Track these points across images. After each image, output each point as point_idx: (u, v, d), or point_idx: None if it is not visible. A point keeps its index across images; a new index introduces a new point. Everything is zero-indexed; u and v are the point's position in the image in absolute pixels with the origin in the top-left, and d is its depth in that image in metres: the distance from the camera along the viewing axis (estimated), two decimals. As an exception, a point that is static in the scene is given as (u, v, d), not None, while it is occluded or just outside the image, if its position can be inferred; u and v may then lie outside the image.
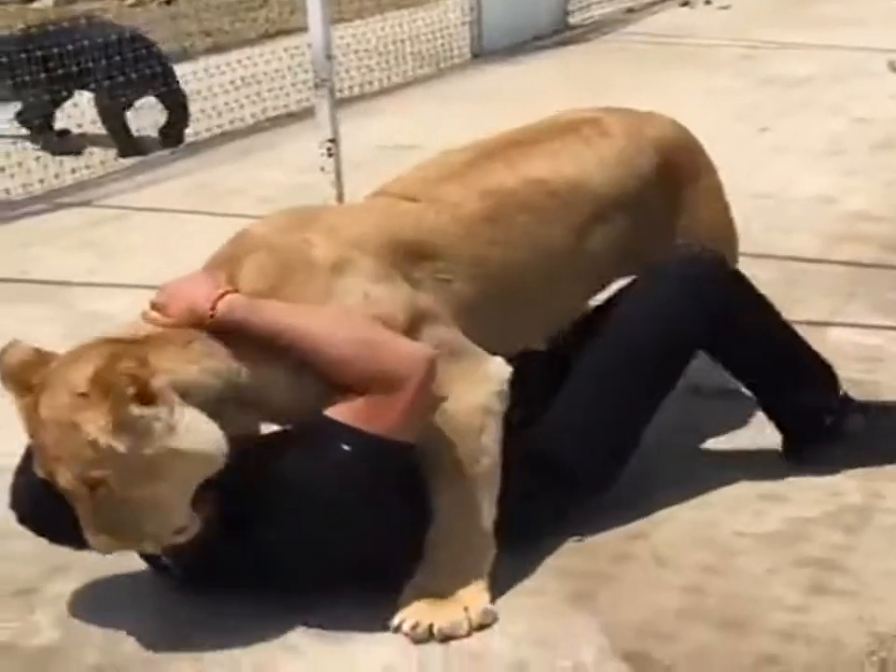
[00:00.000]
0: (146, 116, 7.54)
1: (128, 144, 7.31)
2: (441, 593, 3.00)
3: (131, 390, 2.67)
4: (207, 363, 2.82)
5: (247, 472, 2.86)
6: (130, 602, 3.14)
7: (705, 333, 3.34)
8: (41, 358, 2.88)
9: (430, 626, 2.95)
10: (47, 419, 2.73)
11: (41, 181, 6.72)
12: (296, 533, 2.85)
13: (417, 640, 2.94)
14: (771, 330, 3.45)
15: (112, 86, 7.17)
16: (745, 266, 5.11)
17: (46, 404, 2.75)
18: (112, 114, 7.30)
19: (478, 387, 3.02)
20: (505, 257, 3.22)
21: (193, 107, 7.77)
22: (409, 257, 3.09)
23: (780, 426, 3.57)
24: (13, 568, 3.31)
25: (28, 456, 2.90)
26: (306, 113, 7.29)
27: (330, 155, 5.75)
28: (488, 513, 3.04)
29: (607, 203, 3.41)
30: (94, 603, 3.16)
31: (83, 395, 2.69)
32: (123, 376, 2.67)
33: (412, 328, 2.99)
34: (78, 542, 2.86)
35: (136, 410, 2.68)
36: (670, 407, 3.43)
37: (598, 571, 3.18)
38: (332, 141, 5.76)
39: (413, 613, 2.97)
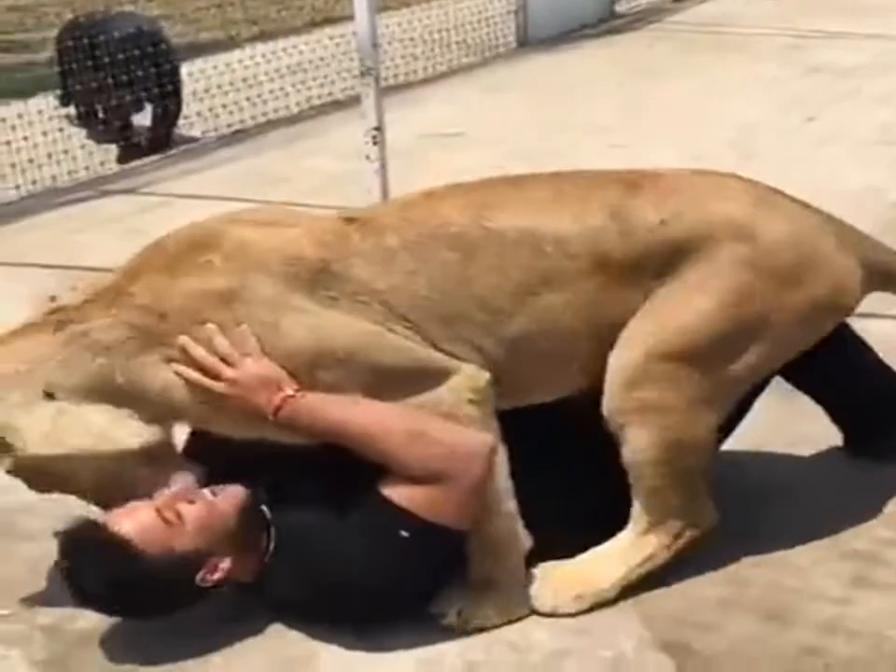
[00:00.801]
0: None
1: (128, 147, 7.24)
2: (482, 585, 3.00)
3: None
4: None
5: (302, 539, 2.92)
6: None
7: None
8: None
9: (465, 616, 2.97)
10: None
11: (87, 168, 6.77)
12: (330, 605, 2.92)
13: (453, 629, 2.96)
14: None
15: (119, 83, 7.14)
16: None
17: None
18: (119, 114, 7.27)
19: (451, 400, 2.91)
20: (423, 288, 2.95)
21: (239, 95, 7.82)
22: (321, 276, 2.93)
23: (843, 426, 3.59)
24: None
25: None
26: (351, 101, 7.30)
27: (375, 143, 5.75)
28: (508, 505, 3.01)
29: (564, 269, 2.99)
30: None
31: None
32: None
33: (323, 355, 2.89)
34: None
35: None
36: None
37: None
38: (377, 129, 5.76)
39: (454, 603, 2.98)
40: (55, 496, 3.43)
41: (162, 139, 7.28)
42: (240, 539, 2.90)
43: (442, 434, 2.88)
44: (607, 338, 2.99)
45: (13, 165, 6.55)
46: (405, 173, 5.96)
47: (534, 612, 3.02)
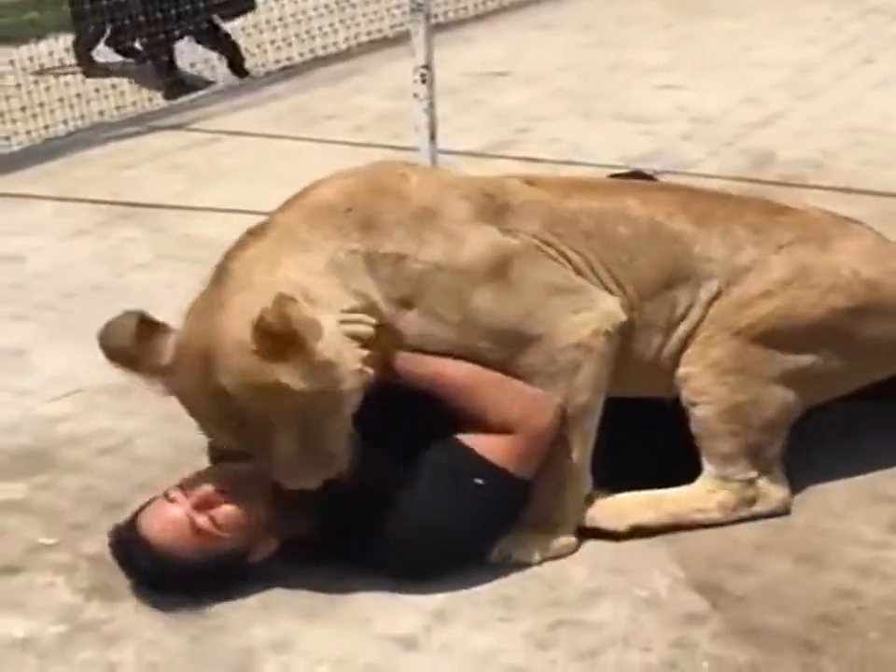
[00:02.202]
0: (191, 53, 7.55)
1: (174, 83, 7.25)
2: (534, 523, 3.04)
3: (312, 332, 2.69)
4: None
5: (378, 490, 2.93)
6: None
7: None
8: (150, 330, 2.89)
9: (507, 553, 3.01)
10: (227, 385, 2.73)
11: (134, 104, 6.79)
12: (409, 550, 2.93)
13: (496, 563, 3.00)
14: None
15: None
16: (836, 201, 5.08)
17: (219, 371, 2.74)
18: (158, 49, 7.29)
19: (580, 326, 3.03)
20: (593, 252, 3.15)
21: (287, 32, 7.81)
22: (505, 213, 3.10)
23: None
24: (104, 484, 3.39)
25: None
26: (400, 38, 7.27)
27: (424, 81, 5.71)
28: (582, 452, 3.06)
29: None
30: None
31: (257, 351, 2.70)
32: (289, 320, 2.67)
33: (504, 264, 3.01)
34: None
35: (318, 350, 2.71)
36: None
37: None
38: (426, 67, 5.72)
39: (502, 542, 3.03)
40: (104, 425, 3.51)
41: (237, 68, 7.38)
42: (278, 521, 2.91)
43: (522, 389, 2.99)
44: None
45: (61, 100, 6.58)
46: (452, 111, 5.96)
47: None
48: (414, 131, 5.43)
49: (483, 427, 2.94)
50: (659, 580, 2.94)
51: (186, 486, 2.92)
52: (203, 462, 3.24)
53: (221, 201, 5.28)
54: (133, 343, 2.86)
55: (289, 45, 7.71)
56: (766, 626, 2.77)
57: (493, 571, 2.98)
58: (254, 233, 2.98)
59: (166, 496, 2.93)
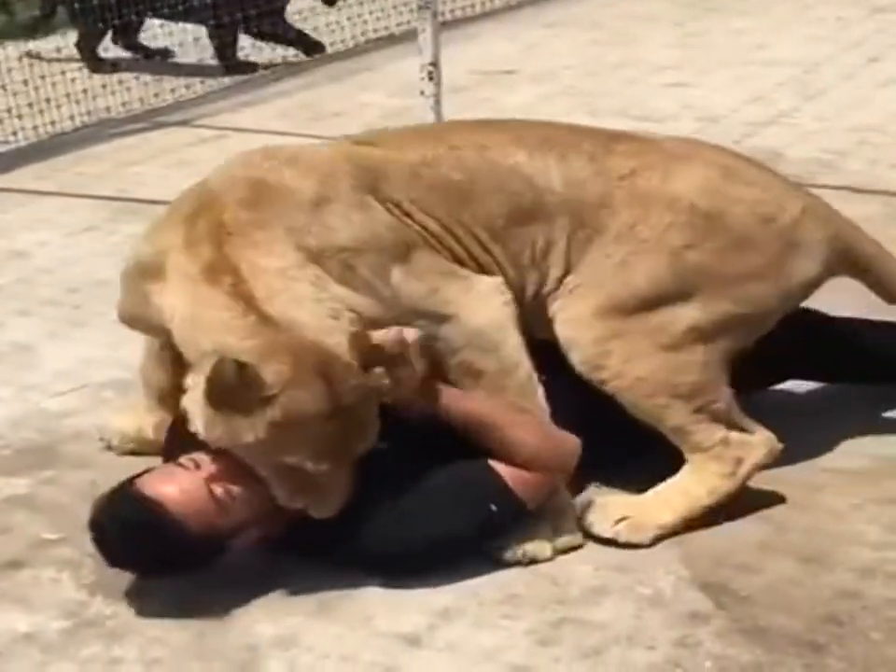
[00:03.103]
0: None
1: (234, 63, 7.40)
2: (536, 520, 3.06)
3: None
4: None
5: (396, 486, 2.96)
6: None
7: None
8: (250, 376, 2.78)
9: (519, 550, 3.02)
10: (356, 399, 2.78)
11: (140, 100, 6.79)
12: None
13: (507, 563, 3.00)
14: None
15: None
16: (844, 201, 5.06)
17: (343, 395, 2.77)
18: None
19: (481, 304, 3.05)
20: (438, 203, 3.14)
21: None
22: (376, 183, 3.11)
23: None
24: (109, 479, 3.37)
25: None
26: (407, 36, 7.28)
27: (431, 79, 5.73)
28: (547, 420, 3.07)
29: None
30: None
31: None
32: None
33: (403, 246, 3.03)
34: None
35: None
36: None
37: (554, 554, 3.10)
38: (433, 65, 5.73)
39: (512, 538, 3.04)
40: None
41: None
42: (276, 507, 2.89)
43: (550, 431, 3.04)
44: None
45: (67, 95, 6.58)
46: (458, 109, 5.95)
47: (591, 538, 3.07)
48: (421, 128, 5.42)
49: (509, 460, 2.97)
50: (663, 578, 2.94)
51: (198, 459, 2.88)
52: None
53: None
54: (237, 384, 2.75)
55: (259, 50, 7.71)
56: (770, 626, 2.77)
57: (497, 569, 2.98)
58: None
59: (179, 464, 2.89)
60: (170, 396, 3.24)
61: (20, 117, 6.29)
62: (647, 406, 3.11)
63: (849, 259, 3.29)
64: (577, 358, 3.12)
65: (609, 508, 3.12)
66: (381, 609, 2.88)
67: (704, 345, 3.10)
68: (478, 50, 7.53)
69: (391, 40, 7.89)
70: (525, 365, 3.07)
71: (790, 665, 2.66)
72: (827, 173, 5.40)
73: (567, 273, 3.14)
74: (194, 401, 2.81)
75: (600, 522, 3.08)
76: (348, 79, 7.20)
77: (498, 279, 3.11)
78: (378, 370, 2.84)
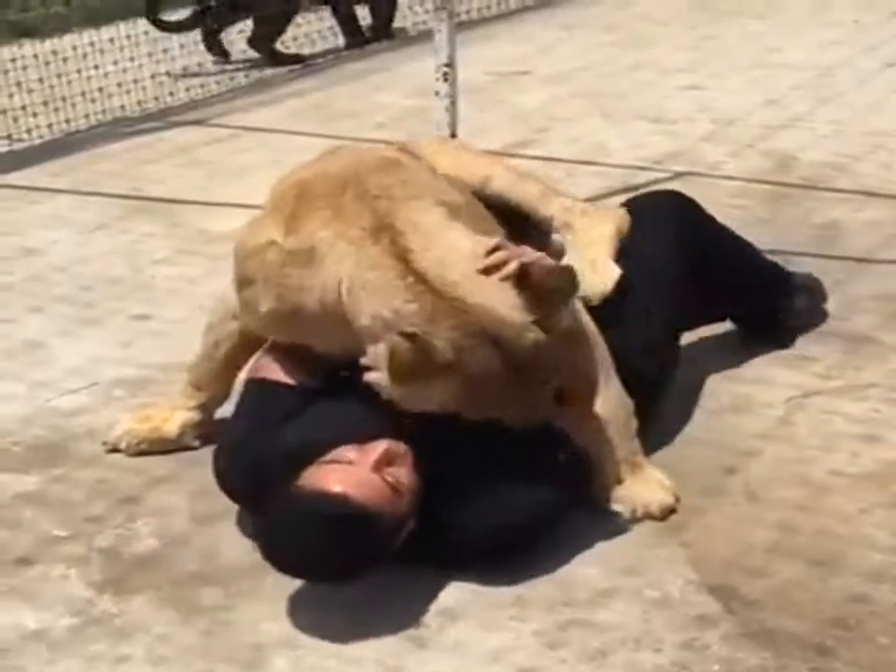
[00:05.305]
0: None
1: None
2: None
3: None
4: None
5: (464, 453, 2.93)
6: (227, 515, 3.21)
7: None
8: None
9: (647, 507, 3.12)
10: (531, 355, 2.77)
11: (156, 99, 6.80)
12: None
13: (637, 519, 3.12)
14: (730, 245, 3.75)
15: None
16: (858, 204, 5.07)
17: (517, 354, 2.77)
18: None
19: None
20: None
21: (309, 28, 7.82)
22: None
23: (741, 324, 3.94)
24: (119, 478, 3.40)
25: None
26: (422, 36, 7.29)
27: (446, 80, 5.72)
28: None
29: None
30: (194, 515, 3.24)
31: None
32: None
33: None
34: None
35: None
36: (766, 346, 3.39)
37: (689, 504, 3.19)
38: (448, 66, 5.73)
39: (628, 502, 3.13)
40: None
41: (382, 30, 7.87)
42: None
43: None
44: None
45: (83, 94, 6.60)
46: (473, 110, 5.96)
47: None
48: (435, 129, 5.43)
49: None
50: (671, 581, 2.93)
51: (351, 452, 2.84)
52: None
53: (241, 196, 5.27)
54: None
55: (312, 42, 7.72)
56: (778, 630, 2.76)
57: (505, 570, 2.97)
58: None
59: (337, 462, 2.82)
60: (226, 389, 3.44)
61: (35, 115, 6.31)
62: None
63: None
64: None
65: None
66: (387, 609, 2.87)
67: None
68: (493, 51, 7.53)
69: (406, 41, 7.90)
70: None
71: (797, 669, 2.65)
72: (841, 176, 5.38)
73: None
74: (380, 378, 2.81)
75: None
76: (363, 79, 7.20)
77: None
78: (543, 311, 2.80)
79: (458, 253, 2.88)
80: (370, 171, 3.07)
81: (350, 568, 2.81)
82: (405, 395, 2.81)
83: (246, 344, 3.31)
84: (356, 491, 2.76)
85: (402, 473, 2.85)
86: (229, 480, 3.11)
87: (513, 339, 2.77)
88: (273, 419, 3.07)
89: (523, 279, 2.79)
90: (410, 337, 2.72)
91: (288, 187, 3.14)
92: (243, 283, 3.15)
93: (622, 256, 3.38)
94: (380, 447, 2.85)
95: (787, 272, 3.95)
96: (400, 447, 2.89)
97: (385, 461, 2.84)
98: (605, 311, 3.23)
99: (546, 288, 2.79)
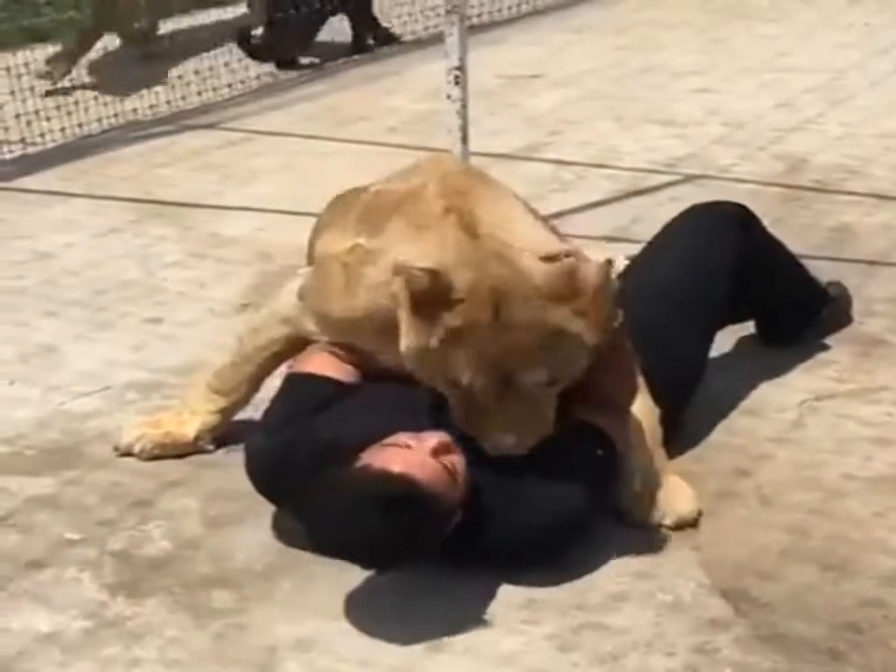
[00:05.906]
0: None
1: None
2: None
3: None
4: None
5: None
6: (240, 519, 3.22)
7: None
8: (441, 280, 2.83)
9: (678, 514, 3.12)
10: (526, 323, 2.80)
11: (168, 102, 6.81)
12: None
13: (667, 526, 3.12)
14: (784, 264, 3.81)
15: None
16: (870, 207, 5.07)
17: (514, 313, 2.80)
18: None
19: None
20: None
21: (320, 33, 7.81)
22: None
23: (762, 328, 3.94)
24: (131, 481, 3.41)
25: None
26: (432, 40, 7.28)
27: (457, 83, 5.72)
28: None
29: None
30: (207, 518, 3.25)
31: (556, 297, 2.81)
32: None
33: None
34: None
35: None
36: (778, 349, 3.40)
37: (701, 507, 3.18)
38: (459, 69, 5.72)
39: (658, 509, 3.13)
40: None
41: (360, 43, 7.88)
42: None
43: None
44: None
45: (95, 98, 6.61)
46: (485, 113, 5.96)
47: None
48: (447, 133, 5.43)
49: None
50: (683, 585, 2.93)
51: (408, 438, 2.84)
52: (232, 458, 3.29)
53: (253, 200, 5.30)
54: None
55: (322, 45, 7.72)
56: (790, 634, 2.76)
57: (517, 574, 2.97)
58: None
59: (387, 445, 2.82)
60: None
61: (48, 119, 6.31)
62: None
63: None
64: None
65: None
66: (400, 613, 2.88)
67: None
68: (504, 55, 7.52)
69: (417, 44, 7.89)
70: None
71: (809, 673, 2.66)
72: (852, 179, 5.38)
73: None
74: (399, 317, 2.86)
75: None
76: (374, 83, 7.19)
77: None
78: (567, 307, 2.82)
79: (527, 237, 2.96)
80: (452, 173, 3.21)
81: (402, 551, 2.78)
82: (409, 332, 2.84)
83: (289, 351, 3.33)
84: (418, 472, 2.75)
85: (457, 460, 2.85)
86: (258, 462, 3.12)
87: (520, 299, 2.80)
88: (314, 406, 3.09)
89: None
90: (432, 272, 2.79)
91: (373, 194, 3.27)
92: (322, 286, 3.18)
93: (679, 264, 3.52)
94: (436, 435, 2.87)
95: (823, 287, 3.96)
96: (451, 438, 2.89)
97: (442, 449, 2.84)
98: (643, 317, 3.22)
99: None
